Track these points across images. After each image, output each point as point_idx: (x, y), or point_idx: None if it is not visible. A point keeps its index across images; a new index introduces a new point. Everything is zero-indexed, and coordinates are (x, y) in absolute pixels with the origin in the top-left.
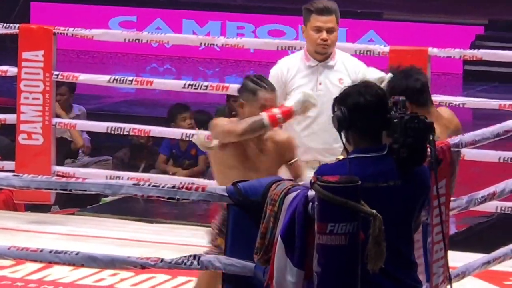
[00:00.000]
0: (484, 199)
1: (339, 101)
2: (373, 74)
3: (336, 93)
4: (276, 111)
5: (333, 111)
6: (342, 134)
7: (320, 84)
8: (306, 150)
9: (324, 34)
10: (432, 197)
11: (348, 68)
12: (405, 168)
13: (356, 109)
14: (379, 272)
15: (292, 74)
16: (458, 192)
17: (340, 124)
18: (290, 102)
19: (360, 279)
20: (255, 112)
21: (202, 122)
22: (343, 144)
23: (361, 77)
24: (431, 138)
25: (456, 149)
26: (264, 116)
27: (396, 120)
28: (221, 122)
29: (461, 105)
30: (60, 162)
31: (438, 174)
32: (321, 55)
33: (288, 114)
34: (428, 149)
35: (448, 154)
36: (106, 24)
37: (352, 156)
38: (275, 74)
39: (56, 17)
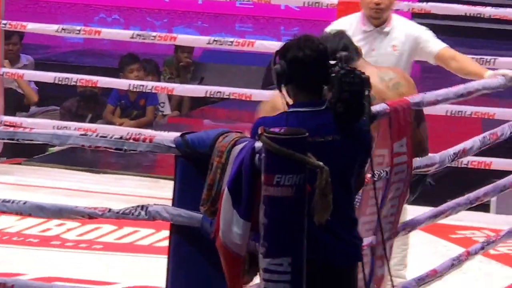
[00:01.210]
0: (456, 156)
1: (278, 55)
2: (434, 46)
3: (389, 60)
4: None
5: (273, 65)
6: (283, 88)
7: (373, 50)
8: None
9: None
10: (392, 155)
11: (405, 35)
12: (342, 123)
13: (295, 63)
14: (322, 227)
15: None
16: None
17: (279, 78)
18: None
19: (305, 231)
20: None
21: (150, 71)
22: (283, 98)
23: (421, 45)
24: (366, 94)
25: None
26: None
27: (333, 75)
28: None
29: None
30: (10, 114)
31: (398, 132)
32: (376, 19)
33: None
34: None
35: (408, 111)
36: None
37: (290, 110)
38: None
39: None
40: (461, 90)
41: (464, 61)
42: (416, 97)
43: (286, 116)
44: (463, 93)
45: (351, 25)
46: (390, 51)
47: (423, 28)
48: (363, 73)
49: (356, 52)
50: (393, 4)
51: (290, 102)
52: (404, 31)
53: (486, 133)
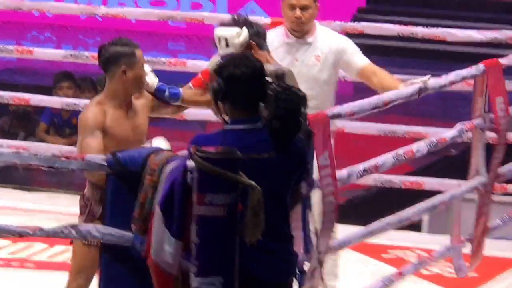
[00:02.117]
0: (365, 172)
1: (215, 72)
2: (358, 61)
3: (313, 70)
4: None
5: (210, 82)
6: (219, 105)
7: (296, 60)
8: None
9: (297, 12)
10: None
11: (329, 46)
12: (279, 140)
13: (231, 81)
14: (256, 244)
15: (271, 48)
16: (339, 165)
17: (216, 95)
18: None
19: (238, 251)
20: None
21: (86, 88)
22: (220, 115)
23: (345, 58)
24: (302, 111)
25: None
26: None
27: (270, 92)
28: (88, 129)
29: (342, 79)
30: None
31: (320, 146)
32: (297, 32)
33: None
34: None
35: (327, 125)
36: None
37: (227, 127)
38: None
39: None
40: (375, 101)
41: (383, 76)
42: (334, 109)
43: (223, 134)
44: (377, 103)
45: (275, 38)
46: (313, 61)
47: (349, 40)
48: (299, 89)
49: (264, 38)
50: (314, 16)
51: (226, 118)
52: (328, 42)
53: (401, 149)
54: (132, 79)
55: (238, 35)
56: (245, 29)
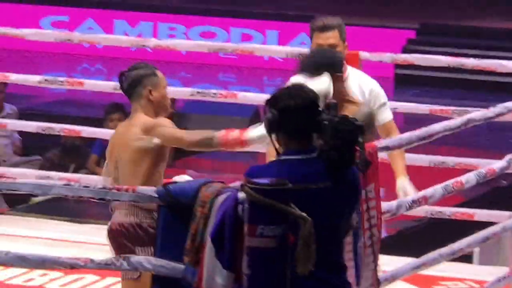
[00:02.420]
0: (414, 204)
1: (269, 104)
2: (386, 114)
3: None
4: (233, 134)
5: (264, 114)
6: (273, 136)
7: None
8: None
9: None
10: (362, 200)
11: (358, 85)
12: (334, 170)
13: (285, 112)
14: (308, 275)
15: None
16: (389, 196)
17: (270, 126)
18: (252, 134)
19: (289, 282)
20: None
21: None
22: (274, 146)
23: (373, 98)
24: (360, 141)
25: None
26: (216, 136)
27: (326, 122)
28: (167, 123)
29: (392, 110)
30: None
31: (367, 178)
32: None
33: (242, 144)
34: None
35: (375, 157)
36: (37, 24)
37: (282, 158)
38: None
39: None
40: (422, 133)
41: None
42: (382, 142)
43: (278, 164)
44: (424, 135)
45: (298, 79)
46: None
47: (380, 87)
48: (357, 120)
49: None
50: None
51: (279, 149)
52: (358, 81)
53: (450, 181)
54: (159, 99)
55: (323, 83)
56: (325, 79)
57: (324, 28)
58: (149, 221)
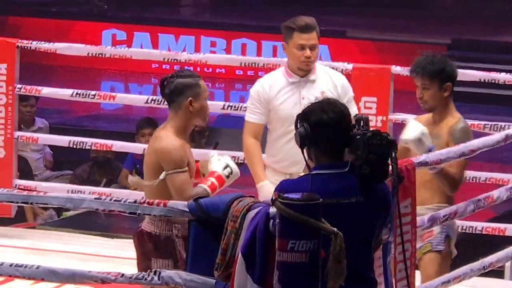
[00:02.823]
0: (446, 219)
1: (302, 118)
2: (354, 109)
3: None
4: (215, 182)
5: (296, 127)
6: (305, 150)
7: (303, 98)
8: (292, 162)
9: (307, 52)
10: (395, 215)
11: (329, 81)
12: (367, 185)
13: (318, 126)
14: None
15: (275, 91)
16: None
17: (303, 140)
18: (217, 169)
19: None
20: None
21: None
22: (305, 160)
23: (344, 92)
24: (393, 155)
25: None
26: (207, 189)
27: (358, 137)
28: (177, 157)
29: None
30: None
31: (403, 193)
32: (305, 71)
33: (222, 183)
34: (390, 166)
35: (413, 173)
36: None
37: (314, 172)
38: (257, 92)
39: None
40: (461, 149)
41: None
42: (421, 158)
43: (310, 179)
44: (464, 151)
45: (276, 80)
46: (319, 97)
47: (342, 75)
48: (389, 134)
49: None
50: (318, 56)
51: (310, 164)
52: (329, 78)
53: (481, 196)
54: (199, 110)
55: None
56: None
57: (307, 28)
58: (168, 233)
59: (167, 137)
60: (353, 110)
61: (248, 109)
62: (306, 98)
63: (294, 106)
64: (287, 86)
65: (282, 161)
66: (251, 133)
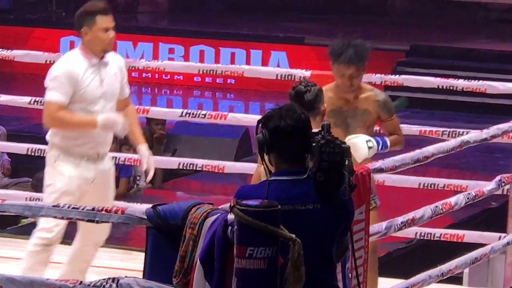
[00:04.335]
0: (404, 225)
1: (261, 123)
2: (127, 89)
3: (115, 88)
4: None
5: (256, 133)
6: (265, 156)
7: (103, 80)
8: (98, 143)
9: (112, 33)
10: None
11: (115, 63)
12: (323, 192)
13: (276, 133)
14: None
15: (80, 73)
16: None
17: (261, 146)
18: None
19: None
20: None
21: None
22: (265, 166)
23: (124, 74)
24: (346, 163)
25: None
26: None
27: (314, 144)
28: None
29: (381, 131)
30: None
31: (358, 200)
32: (106, 52)
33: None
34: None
35: (368, 179)
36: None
37: (271, 178)
38: (67, 73)
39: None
40: (416, 155)
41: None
42: (376, 164)
43: (267, 185)
44: (418, 157)
45: (79, 61)
46: (114, 79)
47: (123, 59)
48: (344, 142)
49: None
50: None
51: (271, 169)
52: (115, 60)
53: (439, 202)
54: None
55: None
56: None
57: (108, 11)
58: None
59: None
60: (126, 91)
61: (54, 89)
62: (105, 79)
63: (98, 87)
64: (90, 68)
65: (86, 144)
66: (59, 111)
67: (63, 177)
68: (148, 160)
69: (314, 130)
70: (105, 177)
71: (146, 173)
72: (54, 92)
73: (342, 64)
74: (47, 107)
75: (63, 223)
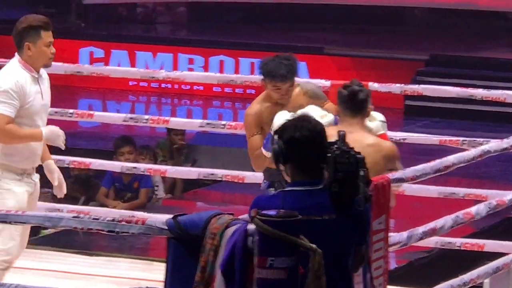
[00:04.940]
0: (424, 235)
1: (276, 134)
2: None
3: (49, 99)
4: None
5: (272, 144)
6: (281, 167)
7: (43, 93)
8: (37, 157)
9: (53, 48)
10: (371, 232)
11: (47, 76)
12: (338, 202)
13: (291, 143)
14: None
15: (26, 87)
16: (399, 227)
17: (277, 157)
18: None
19: None
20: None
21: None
22: (283, 176)
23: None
24: (361, 174)
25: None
26: None
27: (329, 155)
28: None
29: (401, 140)
30: None
31: (378, 210)
32: (46, 67)
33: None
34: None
35: (388, 189)
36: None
37: (287, 189)
38: (16, 87)
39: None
40: (437, 165)
41: None
42: (397, 174)
43: (282, 195)
44: (439, 167)
45: (23, 75)
46: (48, 92)
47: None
48: (359, 153)
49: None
50: None
51: (287, 179)
52: (44, 73)
53: (460, 212)
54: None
55: (323, 117)
56: (330, 115)
57: (50, 25)
58: None
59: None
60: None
61: (2, 102)
62: (44, 93)
63: (39, 101)
64: (32, 82)
65: (25, 159)
66: (8, 125)
67: (13, 194)
68: (58, 175)
69: (330, 140)
70: (37, 189)
71: (59, 188)
72: (3, 106)
73: (279, 81)
74: None
75: (18, 239)
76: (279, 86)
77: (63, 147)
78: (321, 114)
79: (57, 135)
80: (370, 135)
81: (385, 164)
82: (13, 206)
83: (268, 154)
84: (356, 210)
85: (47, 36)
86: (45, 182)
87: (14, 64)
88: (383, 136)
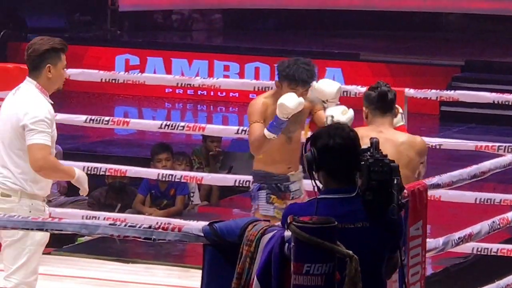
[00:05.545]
0: (461, 241)
1: (310, 142)
2: None
3: None
4: None
5: (305, 151)
6: (314, 174)
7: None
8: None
9: (66, 73)
10: (408, 238)
11: None
12: (372, 211)
13: (324, 151)
14: None
15: (51, 113)
16: (435, 233)
17: (310, 165)
18: None
19: None
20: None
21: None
22: (315, 184)
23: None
24: (395, 182)
25: None
26: None
27: (363, 163)
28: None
29: (437, 146)
30: None
31: (414, 216)
32: (58, 91)
33: None
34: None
35: (425, 195)
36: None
37: (320, 196)
38: (50, 116)
39: None
40: (473, 170)
41: None
42: (433, 179)
43: (316, 203)
44: (475, 173)
45: (45, 101)
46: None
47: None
48: (393, 161)
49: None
50: None
51: (321, 187)
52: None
53: (496, 218)
54: None
55: (344, 113)
56: (351, 110)
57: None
58: None
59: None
60: None
61: (42, 132)
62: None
63: (55, 128)
64: (51, 108)
65: (44, 187)
66: (50, 155)
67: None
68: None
69: (364, 147)
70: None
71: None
72: (44, 135)
73: (300, 86)
74: (40, 149)
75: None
76: (298, 89)
77: (86, 192)
78: (342, 110)
79: (86, 178)
80: (399, 132)
81: (418, 159)
82: (38, 241)
83: (270, 135)
84: (389, 218)
85: (64, 59)
86: (76, 190)
87: (33, 90)
88: (402, 128)
